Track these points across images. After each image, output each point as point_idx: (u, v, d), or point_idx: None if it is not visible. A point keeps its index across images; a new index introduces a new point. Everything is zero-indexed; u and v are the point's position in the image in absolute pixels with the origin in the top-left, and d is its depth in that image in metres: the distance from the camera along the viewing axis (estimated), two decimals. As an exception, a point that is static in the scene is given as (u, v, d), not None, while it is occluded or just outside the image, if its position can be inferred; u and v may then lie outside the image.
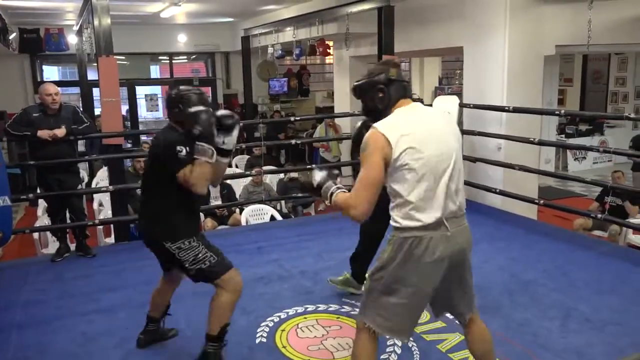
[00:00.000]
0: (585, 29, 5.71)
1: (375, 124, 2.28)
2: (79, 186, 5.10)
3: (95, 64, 5.41)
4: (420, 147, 2.22)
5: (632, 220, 5.85)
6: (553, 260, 4.49)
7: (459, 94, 7.21)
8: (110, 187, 5.38)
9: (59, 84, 4.90)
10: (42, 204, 6.65)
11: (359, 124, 2.88)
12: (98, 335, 3.49)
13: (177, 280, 3.16)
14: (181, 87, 2.95)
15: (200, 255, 2.85)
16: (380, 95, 2.38)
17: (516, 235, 5.23)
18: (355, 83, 2.51)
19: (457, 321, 2.62)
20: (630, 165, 8.48)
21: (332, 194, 2.36)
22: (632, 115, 5.15)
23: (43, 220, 5.96)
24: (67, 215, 5.06)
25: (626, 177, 6.76)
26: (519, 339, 3.26)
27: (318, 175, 2.46)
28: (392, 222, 2.32)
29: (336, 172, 2.57)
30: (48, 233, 5.71)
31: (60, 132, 4.65)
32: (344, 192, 2.35)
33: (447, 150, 2.29)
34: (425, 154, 2.22)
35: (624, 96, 12.47)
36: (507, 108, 5.61)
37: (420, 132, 2.25)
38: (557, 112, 6.61)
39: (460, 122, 6.07)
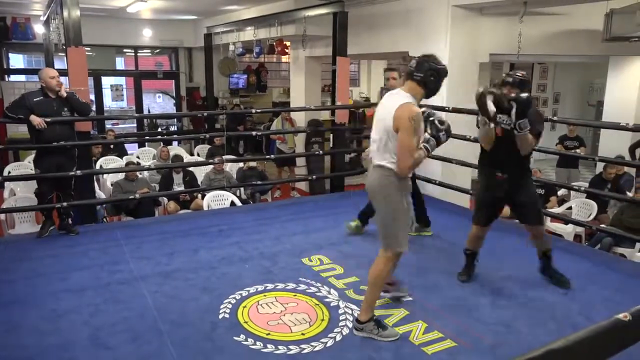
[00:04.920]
0: (516, 40, 5.90)
1: None
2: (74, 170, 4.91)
3: (62, 54, 5.18)
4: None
5: (550, 210, 6.11)
6: (485, 243, 4.60)
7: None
8: (78, 172, 5.16)
9: (25, 72, 4.70)
10: (7, 186, 6.36)
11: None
12: (67, 312, 3.36)
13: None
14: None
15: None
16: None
17: (456, 222, 5.35)
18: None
19: None
20: (549, 162, 8.86)
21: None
22: (556, 118, 5.37)
23: (10, 202, 5.68)
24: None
25: (543, 173, 7.05)
26: (454, 313, 3.36)
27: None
28: None
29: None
30: (14, 214, 5.47)
31: (44, 123, 4.53)
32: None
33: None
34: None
35: (544, 101, 12.99)
36: (446, 108, 5.71)
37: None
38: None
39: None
